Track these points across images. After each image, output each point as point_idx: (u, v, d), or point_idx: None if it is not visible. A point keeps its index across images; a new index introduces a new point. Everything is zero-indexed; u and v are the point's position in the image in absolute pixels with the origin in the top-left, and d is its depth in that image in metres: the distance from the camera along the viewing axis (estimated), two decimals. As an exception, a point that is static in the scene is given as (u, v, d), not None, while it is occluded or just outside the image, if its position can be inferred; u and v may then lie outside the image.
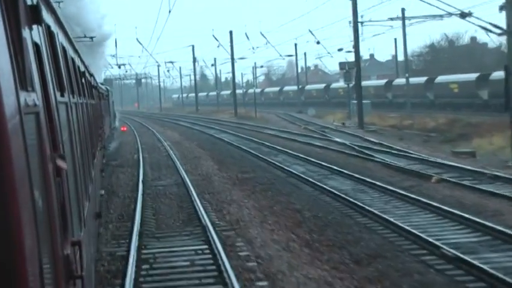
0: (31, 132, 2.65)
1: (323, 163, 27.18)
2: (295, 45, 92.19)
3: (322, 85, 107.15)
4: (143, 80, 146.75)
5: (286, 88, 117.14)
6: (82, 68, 10.09)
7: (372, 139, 37.73)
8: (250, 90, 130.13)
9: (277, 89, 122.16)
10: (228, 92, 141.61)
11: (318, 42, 62.40)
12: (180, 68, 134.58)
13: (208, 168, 27.51)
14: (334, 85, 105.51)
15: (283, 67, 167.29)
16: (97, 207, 10.16)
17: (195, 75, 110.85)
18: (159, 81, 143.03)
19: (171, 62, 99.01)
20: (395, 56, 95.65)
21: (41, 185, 2.77)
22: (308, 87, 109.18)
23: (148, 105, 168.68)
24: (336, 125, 57.90)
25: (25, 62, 2.65)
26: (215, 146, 39.40)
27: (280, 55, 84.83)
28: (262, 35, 66.75)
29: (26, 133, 2.37)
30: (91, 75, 15.43)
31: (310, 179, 22.90)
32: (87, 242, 5.62)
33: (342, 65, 58.72)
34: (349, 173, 23.94)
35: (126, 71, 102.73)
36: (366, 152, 30.76)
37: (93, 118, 11.94)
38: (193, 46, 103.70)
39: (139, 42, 61.12)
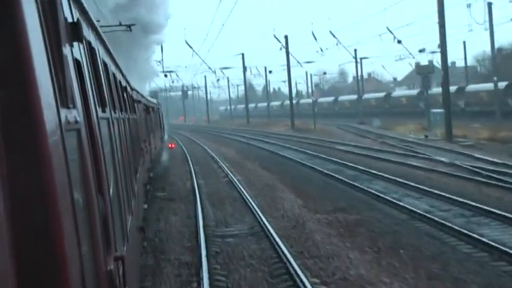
0: (72, 148, 2.70)
1: (448, 195, 19.52)
2: (355, 50, 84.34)
3: (382, 94, 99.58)
4: (189, 92, 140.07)
5: (342, 98, 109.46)
6: (124, 83, 10.14)
7: (486, 157, 29.79)
8: (303, 100, 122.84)
9: (331, 98, 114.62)
10: (278, 103, 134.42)
11: (400, 42, 54.25)
12: (228, 78, 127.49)
13: (291, 205, 20.01)
14: (395, 93, 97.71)
15: (334, 76, 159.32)
16: (140, 221, 9.94)
17: (245, 84, 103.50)
18: (206, 92, 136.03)
19: (225, 69, 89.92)
20: (464, 61, 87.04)
21: (83, 200, 2.84)
22: (366, 96, 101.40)
23: (195, 118, 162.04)
24: (415, 137, 50.04)
25: (66, 79, 2.66)
26: (284, 168, 31.96)
27: (354, 57, 76.37)
28: (332, 34, 58.04)
29: (67, 150, 2.38)
30: (133, 89, 15.21)
31: (456, 227, 15.28)
32: (130, 257, 5.52)
33: (419, 69, 50.78)
34: (504, 213, 16.30)
35: (173, 81, 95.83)
36: (497, 176, 22.95)
37: (135, 133, 12.00)
38: (243, 54, 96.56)
39: (189, 45, 53.32)
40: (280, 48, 65.50)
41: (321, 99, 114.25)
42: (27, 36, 2.05)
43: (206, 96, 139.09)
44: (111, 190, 4.18)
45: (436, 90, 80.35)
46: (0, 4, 1.97)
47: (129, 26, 22.33)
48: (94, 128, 3.69)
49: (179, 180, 29.15)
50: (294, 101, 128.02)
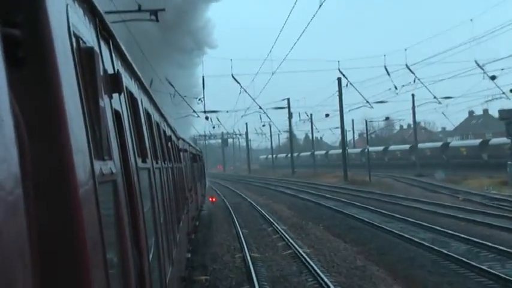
0: (107, 200, 2.77)
1: None
2: (413, 95, 76.71)
3: (438, 143, 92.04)
4: (229, 140, 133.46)
5: (393, 147, 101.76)
6: (168, 132, 10.12)
7: None
8: (352, 150, 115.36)
9: (380, 148, 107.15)
10: (322, 152, 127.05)
11: (493, 78, 46.11)
12: (270, 125, 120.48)
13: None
14: (454, 143, 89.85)
15: (378, 123, 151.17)
16: (182, 271, 9.90)
17: (290, 130, 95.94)
18: (247, 139, 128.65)
19: (278, 109, 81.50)
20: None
21: (117, 254, 2.85)
22: (420, 146, 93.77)
23: (235, 167, 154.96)
24: (499, 193, 42.23)
25: (101, 131, 2.66)
26: (361, 234, 24.45)
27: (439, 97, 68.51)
28: (409, 68, 49.91)
29: (101, 202, 2.37)
30: (179, 138, 15.09)
31: None
32: None
33: (503, 113, 43.04)
34: None
35: (214, 127, 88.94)
36: None
37: (180, 182, 11.97)
38: (288, 99, 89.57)
39: (236, 80, 45.18)
40: (347, 85, 57.95)
41: (370, 148, 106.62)
42: (61, 88, 2.06)
43: (247, 143, 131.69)
44: (149, 241, 4.12)
45: (497, 139, 72.91)
46: (36, 56, 2.00)
47: (155, 14, 15.53)
48: (132, 179, 3.68)
49: (226, 251, 21.79)
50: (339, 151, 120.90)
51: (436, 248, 19.87)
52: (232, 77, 44.71)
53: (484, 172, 62.54)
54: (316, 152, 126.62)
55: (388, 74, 48.69)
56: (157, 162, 6.23)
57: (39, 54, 2.03)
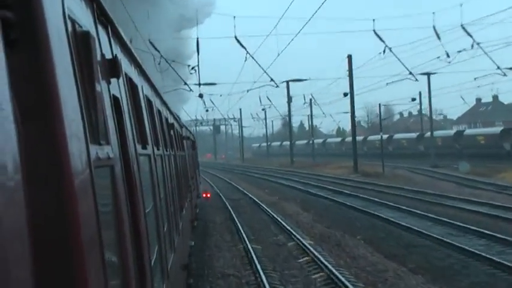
0: (104, 184, 2.69)
1: None
2: (428, 76, 68.73)
3: (451, 132, 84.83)
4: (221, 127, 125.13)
5: (398, 136, 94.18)
6: (171, 120, 10.16)
7: None
8: (348, 139, 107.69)
9: (385, 136, 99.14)
10: (319, 140, 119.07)
11: None
12: (265, 111, 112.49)
13: None
14: (469, 131, 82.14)
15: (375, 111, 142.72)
16: (186, 259, 9.90)
17: (289, 117, 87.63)
18: (241, 125, 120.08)
19: (297, 81, 69.34)
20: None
21: (115, 237, 2.80)
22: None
23: (227, 156, 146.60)
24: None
25: (98, 115, 2.63)
26: (442, 264, 16.67)
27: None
28: (465, 29, 38.77)
29: (96, 187, 2.35)
30: (181, 126, 15.22)
31: None
32: None
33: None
34: None
35: (207, 110, 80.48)
36: None
37: (183, 170, 12.13)
38: (287, 82, 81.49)
39: (240, 43, 34.32)
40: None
41: (371, 137, 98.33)
42: (54, 71, 2.05)
43: (241, 129, 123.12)
44: (149, 227, 4.07)
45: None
46: (29, 38, 1.98)
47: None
48: (132, 165, 3.66)
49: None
50: (334, 139, 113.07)
51: None
52: (236, 39, 35.75)
53: (506, 163, 55.62)
54: (315, 140, 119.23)
55: (438, 38, 39.42)
56: (158, 149, 6.21)
57: (32, 36, 2.00)
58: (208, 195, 35.25)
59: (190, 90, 40.79)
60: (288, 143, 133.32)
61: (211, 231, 22.91)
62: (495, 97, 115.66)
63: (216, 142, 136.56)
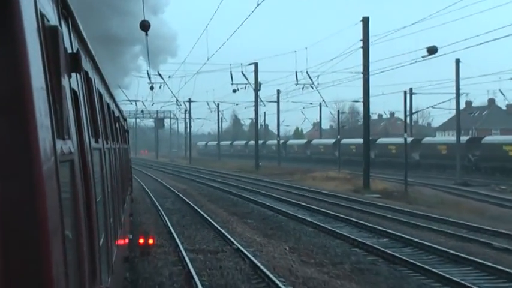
0: (65, 179, 2.72)
1: None
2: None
3: (453, 138, 69.14)
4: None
5: (383, 140, 78.34)
6: (116, 113, 10.12)
7: None
8: (316, 141, 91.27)
9: (360, 140, 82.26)
10: (274, 141, 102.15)
11: None
12: (218, 104, 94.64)
13: None
14: (489, 138, 65.70)
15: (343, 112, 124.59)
16: (126, 252, 9.95)
17: (256, 110, 69.28)
18: (190, 117, 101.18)
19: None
20: None
21: (72, 230, 2.83)
22: (428, 139, 71.68)
23: (170, 154, 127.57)
24: None
25: (63, 110, 2.65)
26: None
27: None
28: None
29: (61, 181, 2.40)
30: (125, 119, 15.01)
31: None
32: None
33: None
34: None
35: (152, 87, 62.49)
36: None
37: (125, 163, 12.15)
38: (256, 64, 64.14)
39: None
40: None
41: (345, 140, 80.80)
42: (28, 66, 2.06)
43: (189, 123, 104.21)
44: (99, 221, 4.13)
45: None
46: (2, 33, 2.00)
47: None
48: (87, 159, 3.65)
49: None
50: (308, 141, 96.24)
51: None
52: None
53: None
54: (270, 142, 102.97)
55: None
56: (107, 143, 6.19)
57: (7, 29, 2.00)
58: (151, 241, 17.57)
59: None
60: (241, 142, 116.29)
61: None
62: (491, 101, 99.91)
63: (158, 139, 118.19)
